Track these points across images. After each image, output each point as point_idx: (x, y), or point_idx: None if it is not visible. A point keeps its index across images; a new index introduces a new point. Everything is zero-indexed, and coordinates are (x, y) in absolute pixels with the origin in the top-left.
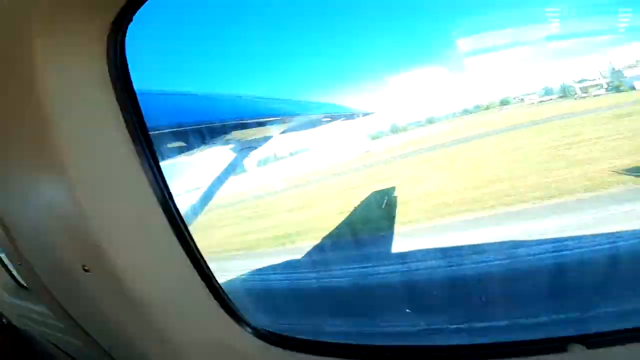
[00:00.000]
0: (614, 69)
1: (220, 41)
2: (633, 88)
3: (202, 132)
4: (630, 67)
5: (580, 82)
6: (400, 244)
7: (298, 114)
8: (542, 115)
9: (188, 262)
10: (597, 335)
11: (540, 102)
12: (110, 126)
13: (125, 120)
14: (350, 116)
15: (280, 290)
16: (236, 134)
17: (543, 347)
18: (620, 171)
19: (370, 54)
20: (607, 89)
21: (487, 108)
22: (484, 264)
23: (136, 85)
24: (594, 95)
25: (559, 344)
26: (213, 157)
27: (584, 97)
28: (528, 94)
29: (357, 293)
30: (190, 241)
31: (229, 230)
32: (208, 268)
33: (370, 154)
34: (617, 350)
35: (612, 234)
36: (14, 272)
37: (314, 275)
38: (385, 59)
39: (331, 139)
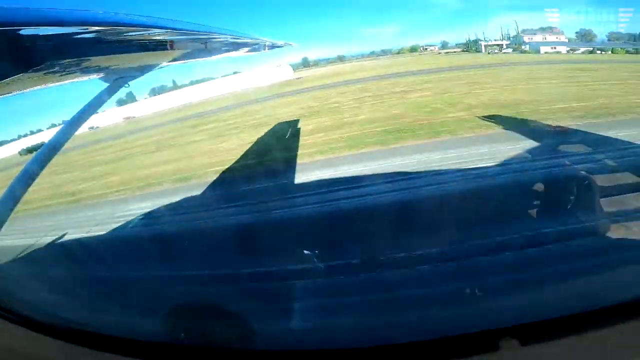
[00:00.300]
0: (517, 34)
1: None
2: (538, 51)
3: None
4: (529, 33)
5: (485, 40)
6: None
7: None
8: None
9: None
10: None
11: (447, 53)
12: None
13: None
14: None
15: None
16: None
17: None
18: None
19: None
20: (513, 50)
21: (399, 52)
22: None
23: None
24: (503, 53)
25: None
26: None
27: (489, 53)
28: (430, 45)
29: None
30: None
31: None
32: None
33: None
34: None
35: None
36: None
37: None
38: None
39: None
